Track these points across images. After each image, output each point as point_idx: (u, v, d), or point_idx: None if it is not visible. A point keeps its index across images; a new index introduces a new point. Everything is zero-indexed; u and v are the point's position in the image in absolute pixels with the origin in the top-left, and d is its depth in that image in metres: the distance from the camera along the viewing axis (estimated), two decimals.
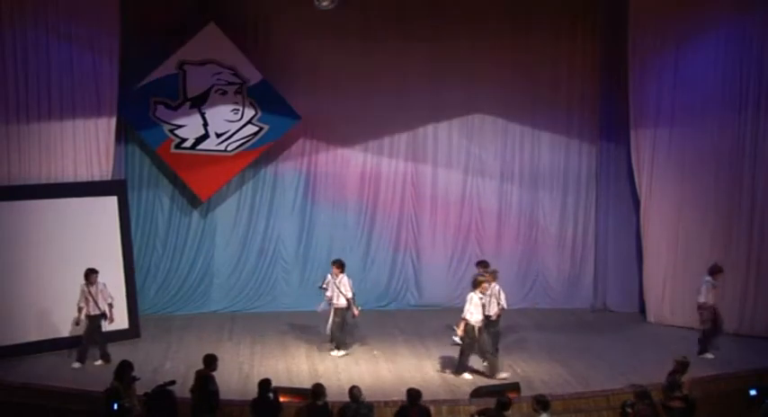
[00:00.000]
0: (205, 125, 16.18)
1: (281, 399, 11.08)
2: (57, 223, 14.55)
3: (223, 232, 17.26)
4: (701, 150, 15.92)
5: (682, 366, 11.42)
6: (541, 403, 10.31)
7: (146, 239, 16.76)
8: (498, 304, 13.74)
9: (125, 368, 10.77)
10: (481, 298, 13.47)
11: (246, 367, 13.88)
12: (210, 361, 11.08)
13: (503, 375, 13.28)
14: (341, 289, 14.32)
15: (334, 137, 17.45)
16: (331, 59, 17.21)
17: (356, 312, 14.47)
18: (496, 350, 13.77)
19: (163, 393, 10.43)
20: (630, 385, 12.34)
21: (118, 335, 14.74)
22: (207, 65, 16.02)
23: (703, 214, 15.91)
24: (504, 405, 10.29)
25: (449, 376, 13.53)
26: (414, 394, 10.62)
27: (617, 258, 17.59)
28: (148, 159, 16.72)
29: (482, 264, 14.90)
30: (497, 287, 13.84)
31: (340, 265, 14.49)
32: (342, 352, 14.41)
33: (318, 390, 10.49)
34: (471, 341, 13.40)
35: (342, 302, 14.36)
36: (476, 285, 13.55)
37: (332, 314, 14.44)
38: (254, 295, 17.25)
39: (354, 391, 10.64)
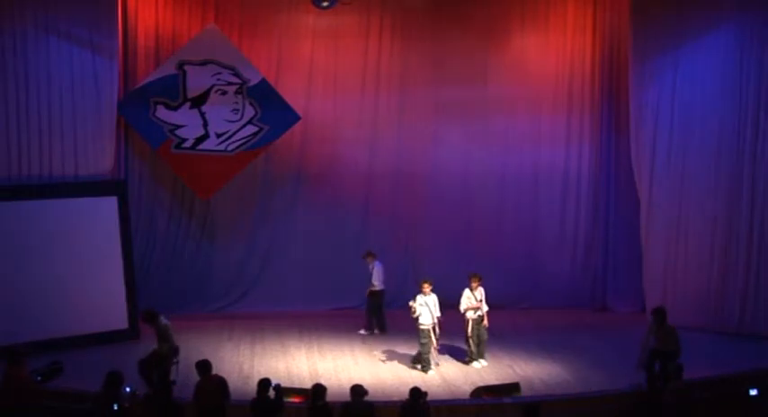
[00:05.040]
0: (205, 125, 16.16)
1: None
2: (57, 223, 14.55)
3: (223, 232, 17.27)
4: (701, 150, 15.94)
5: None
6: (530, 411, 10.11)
7: (146, 239, 16.77)
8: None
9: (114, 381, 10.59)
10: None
11: (246, 367, 13.89)
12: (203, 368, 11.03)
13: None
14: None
15: (334, 137, 17.48)
16: (330, 59, 17.26)
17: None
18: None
19: (163, 393, 10.43)
20: (631, 385, 12.34)
21: (118, 335, 14.75)
22: (207, 65, 16.00)
23: (703, 214, 15.93)
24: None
25: (448, 375, 13.54)
26: (417, 392, 10.55)
27: (617, 258, 17.63)
28: (148, 159, 16.73)
29: (370, 254, 15.83)
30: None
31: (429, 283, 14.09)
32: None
33: (319, 390, 10.46)
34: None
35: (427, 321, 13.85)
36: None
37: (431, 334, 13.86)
38: (253, 295, 17.26)
39: (357, 388, 10.58)
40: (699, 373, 12.40)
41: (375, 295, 15.91)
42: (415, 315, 13.86)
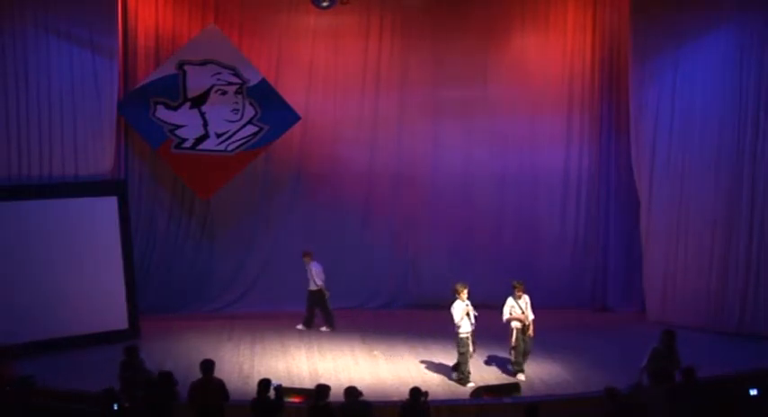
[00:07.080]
0: (205, 125, 16.17)
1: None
2: (57, 223, 14.55)
3: (223, 232, 17.27)
4: (701, 150, 15.96)
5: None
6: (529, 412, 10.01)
7: (146, 239, 16.77)
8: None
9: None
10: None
11: (246, 367, 13.89)
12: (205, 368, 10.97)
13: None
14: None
15: (334, 137, 17.49)
16: (330, 59, 17.27)
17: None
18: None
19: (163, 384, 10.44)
20: (630, 385, 12.33)
21: (118, 335, 14.73)
22: (207, 65, 16.01)
23: (703, 214, 15.94)
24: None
25: (448, 375, 13.52)
26: (417, 392, 10.51)
27: (617, 258, 17.63)
28: (148, 159, 16.73)
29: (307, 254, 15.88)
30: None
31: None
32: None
33: (323, 390, 10.43)
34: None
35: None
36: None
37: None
38: (253, 295, 17.26)
39: (351, 390, 10.57)
40: (699, 373, 12.36)
41: (315, 293, 15.90)
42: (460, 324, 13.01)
